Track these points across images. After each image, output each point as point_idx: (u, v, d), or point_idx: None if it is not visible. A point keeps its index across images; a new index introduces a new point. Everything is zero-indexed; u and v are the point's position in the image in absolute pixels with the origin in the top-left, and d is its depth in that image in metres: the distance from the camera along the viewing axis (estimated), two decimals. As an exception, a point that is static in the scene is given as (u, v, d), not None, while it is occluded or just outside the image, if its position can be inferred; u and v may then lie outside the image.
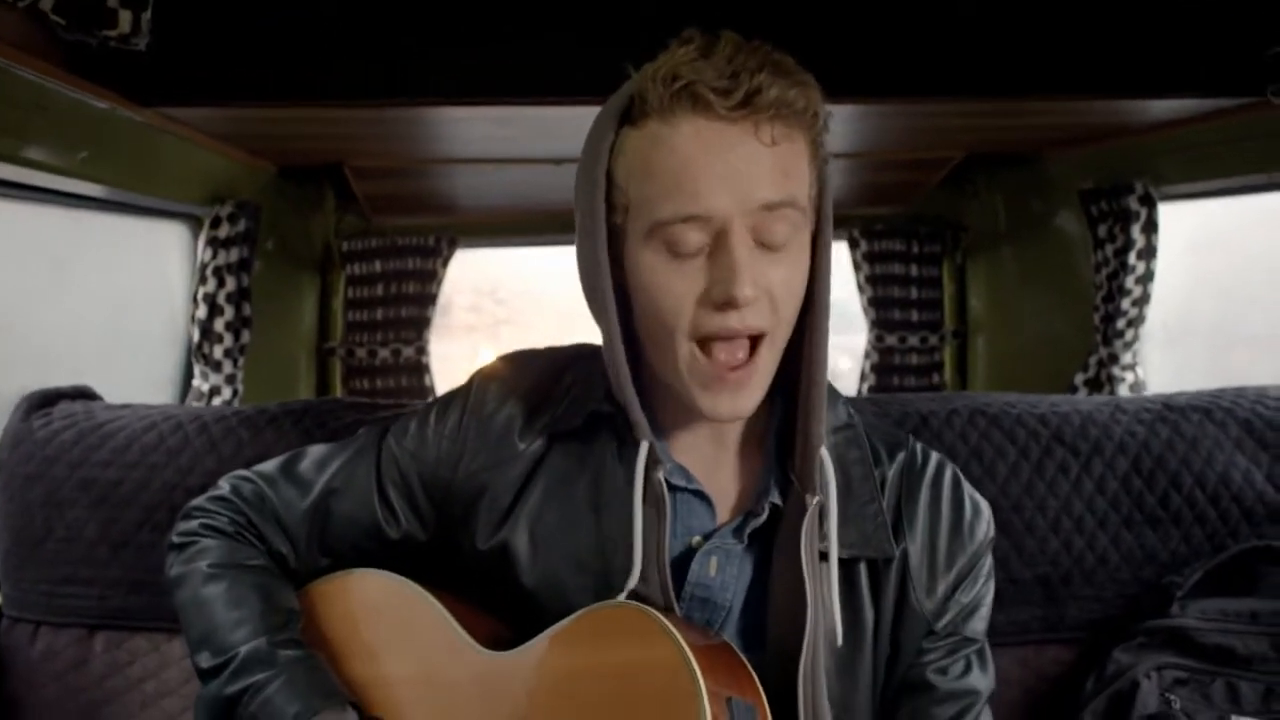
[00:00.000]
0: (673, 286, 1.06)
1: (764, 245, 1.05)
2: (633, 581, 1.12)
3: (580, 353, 1.30)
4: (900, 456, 1.24)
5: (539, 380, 1.27)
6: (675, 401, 1.15)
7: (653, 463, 1.14)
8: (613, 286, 1.11)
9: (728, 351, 1.07)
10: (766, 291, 1.05)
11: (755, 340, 1.07)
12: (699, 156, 1.02)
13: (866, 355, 3.58)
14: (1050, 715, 1.65)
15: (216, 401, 2.63)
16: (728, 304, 1.03)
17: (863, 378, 3.58)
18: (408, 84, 1.85)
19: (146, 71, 1.71)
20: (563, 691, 1.13)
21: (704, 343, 1.07)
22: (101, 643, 1.65)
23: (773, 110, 1.02)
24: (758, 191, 1.02)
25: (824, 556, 1.15)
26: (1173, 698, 1.52)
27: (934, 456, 1.27)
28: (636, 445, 1.15)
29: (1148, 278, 2.55)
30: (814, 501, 1.13)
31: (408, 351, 3.42)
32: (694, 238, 1.04)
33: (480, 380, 1.30)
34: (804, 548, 1.12)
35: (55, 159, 1.72)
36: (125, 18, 1.57)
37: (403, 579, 1.26)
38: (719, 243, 1.03)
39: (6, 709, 1.65)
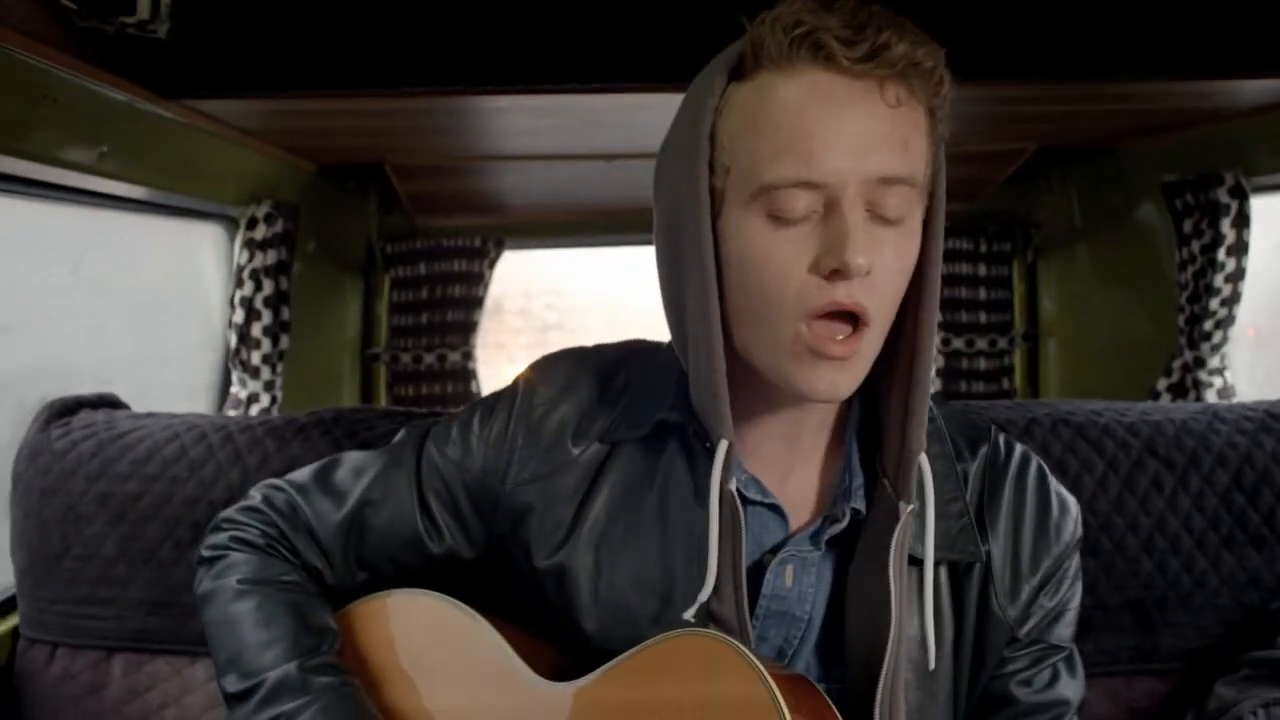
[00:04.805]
0: (780, 254, 0.98)
1: (877, 217, 0.97)
2: (705, 593, 1.04)
3: (632, 350, 1.24)
4: (983, 450, 1.17)
5: (591, 380, 1.20)
6: (753, 394, 1.08)
7: (726, 471, 1.06)
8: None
9: (830, 330, 0.99)
10: (875, 265, 0.97)
11: (855, 325, 0.99)
12: (815, 112, 0.95)
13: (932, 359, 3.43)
14: (1144, 755, 1.53)
15: (255, 409, 2.56)
16: (838, 273, 0.95)
17: (928, 382, 3.45)
18: (449, 72, 1.74)
19: (168, 61, 1.62)
20: None
21: (807, 322, 0.99)
22: (120, 666, 1.59)
23: (900, 65, 0.94)
24: (875, 160, 0.95)
25: (911, 561, 1.09)
26: (1283, 737, 1.39)
27: (1018, 449, 1.20)
28: (708, 454, 1.08)
29: (1238, 276, 2.39)
30: (907, 510, 1.05)
31: (454, 357, 3.33)
32: (802, 203, 0.96)
33: (526, 382, 1.22)
34: (893, 556, 1.06)
35: (69, 154, 1.64)
36: (144, 3, 1.48)
37: (451, 600, 1.18)
38: (830, 209, 0.96)
39: None
